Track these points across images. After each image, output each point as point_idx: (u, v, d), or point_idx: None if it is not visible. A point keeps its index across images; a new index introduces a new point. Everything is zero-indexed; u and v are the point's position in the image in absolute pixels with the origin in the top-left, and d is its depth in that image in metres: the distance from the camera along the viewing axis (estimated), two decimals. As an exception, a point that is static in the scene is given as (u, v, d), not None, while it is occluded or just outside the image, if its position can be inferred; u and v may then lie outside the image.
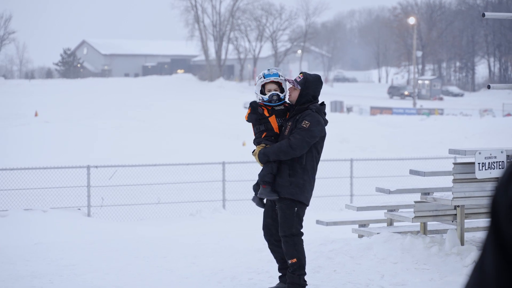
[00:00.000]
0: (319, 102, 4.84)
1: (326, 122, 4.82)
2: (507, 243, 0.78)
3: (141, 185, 12.07)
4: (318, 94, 4.82)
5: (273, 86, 4.84)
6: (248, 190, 5.39)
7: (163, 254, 6.74)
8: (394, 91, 56.43)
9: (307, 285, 4.84)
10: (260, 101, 4.85)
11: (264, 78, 4.84)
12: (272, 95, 4.84)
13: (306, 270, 4.89)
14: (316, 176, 4.93)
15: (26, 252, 6.92)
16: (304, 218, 4.82)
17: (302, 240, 4.79)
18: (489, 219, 0.82)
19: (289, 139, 4.68)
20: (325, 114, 4.84)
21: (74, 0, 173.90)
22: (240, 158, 12.74)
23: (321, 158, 4.95)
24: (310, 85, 4.77)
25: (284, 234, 4.74)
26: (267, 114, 4.83)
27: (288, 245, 4.74)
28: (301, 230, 4.78)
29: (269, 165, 4.76)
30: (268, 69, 4.96)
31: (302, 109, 4.75)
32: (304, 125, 4.65)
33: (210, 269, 5.94)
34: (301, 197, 4.72)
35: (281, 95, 4.82)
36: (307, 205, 4.79)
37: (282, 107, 4.87)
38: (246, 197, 11.15)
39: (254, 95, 5.01)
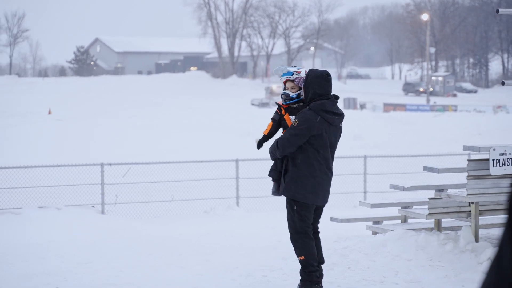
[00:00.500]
0: (327, 97, 4.75)
1: (330, 118, 4.69)
2: None
3: (154, 183, 12.06)
4: (324, 91, 4.73)
5: (290, 85, 4.88)
6: (262, 187, 5.39)
7: (177, 252, 6.74)
8: (409, 87, 56.03)
9: (319, 281, 4.81)
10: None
11: (281, 77, 4.93)
12: (282, 94, 4.92)
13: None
14: None
15: (40, 249, 6.93)
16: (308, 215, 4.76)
17: (308, 237, 4.75)
18: (506, 216, 0.79)
19: (279, 137, 4.78)
20: (331, 111, 4.71)
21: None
22: (254, 155, 12.73)
23: (334, 155, 4.94)
24: (310, 82, 4.76)
25: (290, 232, 4.80)
26: (283, 112, 4.89)
27: (294, 243, 4.77)
28: (307, 228, 4.75)
29: (275, 162, 4.85)
30: (280, 67, 5.01)
31: (304, 106, 4.79)
32: (294, 124, 4.69)
33: (224, 267, 5.92)
34: (297, 195, 4.71)
35: (292, 94, 4.84)
36: (308, 203, 4.71)
37: (296, 105, 4.89)
38: (260, 194, 11.14)
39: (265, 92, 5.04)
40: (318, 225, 4.94)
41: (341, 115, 4.79)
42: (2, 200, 10.53)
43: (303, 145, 4.69)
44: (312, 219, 4.81)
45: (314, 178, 4.70)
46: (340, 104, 41.33)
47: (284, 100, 4.87)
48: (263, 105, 42.88)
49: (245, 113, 30.52)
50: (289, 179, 4.73)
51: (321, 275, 4.85)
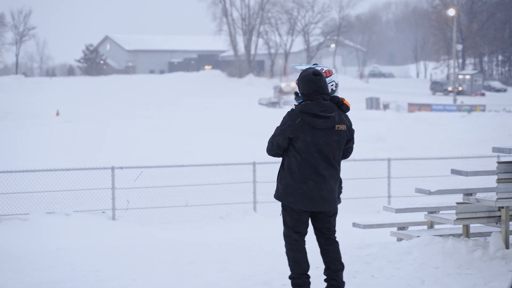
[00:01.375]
0: (314, 98, 4.59)
1: (312, 121, 4.55)
2: None
3: (168, 187, 11.90)
4: (311, 91, 4.59)
5: None
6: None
7: (191, 259, 6.61)
8: (437, 86, 55.32)
9: None
10: None
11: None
12: (294, 93, 4.87)
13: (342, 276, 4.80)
14: (352, 177, 4.78)
15: (49, 257, 6.85)
16: (296, 221, 4.67)
17: (293, 243, 4.69)
18: None
19: None
20: (313, 113, 4.55)
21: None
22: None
23: (356, 158, 4.75)
24: (299, 83, 4.69)
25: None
26: None
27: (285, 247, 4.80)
28: (292, 233, 4.68)
29: None
30: (297, 65, 4.94)
31: None
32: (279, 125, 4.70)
33: (240, 275, 5.80)
34: (282, 199, 4.68)
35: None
36: (292, 208, 4.63)
37: None
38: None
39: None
40: (331, 231, 4.77)
41: (328, 118, 4.58)
42: (9, 205, 10.42)
43: (289, 148, 4.64)
44: (302, 225, 4.70)
45: (296, 182, 4.60)
46: (362, 104, 41.21)
47: (296, 100, 4.77)
48: (271, 104, 42.43)
49: (262, 114, 30.44)
50: (277, 182, 4.72)
51: (307, 284, 4.73)
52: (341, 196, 4.95)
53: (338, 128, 4.61)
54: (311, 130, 4.56)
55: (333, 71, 4.84)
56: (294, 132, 4.56)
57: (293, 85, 44.86)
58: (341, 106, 4.65)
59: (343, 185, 4.93)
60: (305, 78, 4.62)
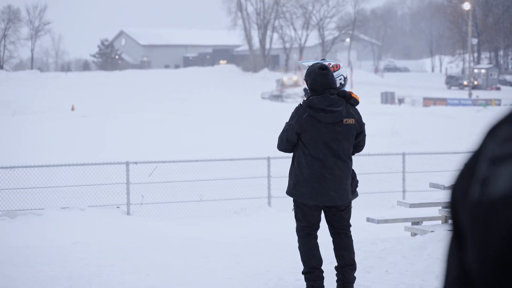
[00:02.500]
0: (321, 93, 4.56)
1: (319, 115, 4.51)
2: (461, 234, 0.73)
3: (182, 182, 11.84)
4: (317, 86, 4.56)
5: None
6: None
7: (205, 254, 6.58)
8: (453, 81, 54.69)
9: (314, 285, 4.72)
10: None
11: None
12: (303, 89, 4.91)
13: (356, 271, 4.80)
14: (366, 171, 4.75)
15: (63, 252, 6.84)
16: (303, 215, 4.69)
17: (304, 237, 4.71)
18: (448, 209, 0.76)
19: None
20: (319, 107, 4.51)
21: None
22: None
23: (371, 152, 4.71)
24: (306, 78, 4.69)
25: None
26: None
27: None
28: (304, 227, 4.69)
29: None
30: (301, 62, 5.03)
31: None
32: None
33: (254, 270, 5.77)
34: (293, 195, 4.70)
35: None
36: (302, 202, 4.64)
37: None
38: (293, 194, 10.84)
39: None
40: (344, 226, 4.74)
41: (335, 112, 4.55)
42: (24, 200, 10.43)
43: (298, 143, 4.64)
44: (314, 220, 4.70)
45: (306, 177, 4.60)
46: (377, 98, 40.95)
47: (305, 96, 4.77)
48: (274, 98, 42.34)
49: (279, 108, 30.28)
50: (289, 178, 4.74)
51: (320, 278, 4.73)
52: (357, 190, 4.92)
53: (346, 122, 4.58)
54: (318, 124, 4.55)
55: (341, 65, 4.82)
56: (302, 127, 4.55)
57: (295, 79, 44.86)
58: (349, 100, 4.61)
59: (358, 178, 4.90)
60: (312, 73, 4.60)
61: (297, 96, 41.53)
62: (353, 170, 4.77)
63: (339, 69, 4.75)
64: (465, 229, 0.68)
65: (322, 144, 4.55)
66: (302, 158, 4.59)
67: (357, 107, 4.71)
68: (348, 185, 4.67)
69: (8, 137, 21.65)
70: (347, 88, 4.85)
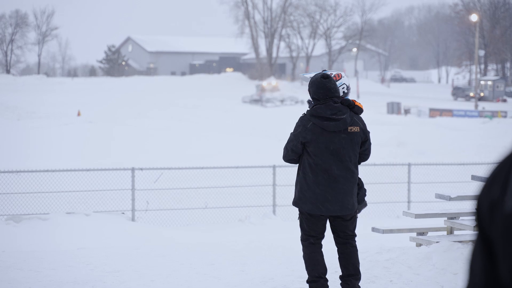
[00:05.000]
0: (324, 102, 4.56)
1: (323, 124, 4.51)
2: (490, 244, 0.73)
3: (187, 189, 11.82)
4: (320, 95, 4.57)
5: None
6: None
7: (210, 261, 6.57)
8: (459, 92, 54.54)
9: None
10: None
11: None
12: (307, 101, 4.88)
13: (361, 281, 4.80)
14: (372, 181, 4.73)
15: (68, 257, 6.83)
16: (307, 225, 4.68)
17: (308, 246, 4.69)
18: (474, 219, 0.77)
19: None
20: (324, 116, 4.51)
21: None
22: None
23: (377, 162, 4.69)
24: (309, 88, 4.69)
25: None
26: None
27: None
28: (308, 237, 4.68)
29: None
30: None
31: None
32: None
33: (259, 278, 5.76)
34: (298, 204, 4.67)
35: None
36: (307, 212, 4.63)
37: None
38: (297, 202, 10.80)
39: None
40: (349, 236, 4.73)
41: (339, 120, 4.53)
42: (29, 205, 10.44)
43: (303, 153, 4.63)
44: (319, 229, 4.68)
45: (311, 187, 4.57)
46: (383, 108, 40.95)
47: (309, 107, 4.77)
48: (253, 101, 44.01)
49: (284, 116, 30.25)
50: (295, 188, 4.72)
51: (325, 287, 4.70)
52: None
53: (351, 130, 4.57)
54: (323, 133, 4.53)
55: (343, 74, 4.84)
56: (307, 137, 4.54)
57: (274, 84, 46.75)
58: (353, 108, 4.61)
59: (366, 187, 4.88)
60: (315, 82, 4.61)
61: (276, 100, 43.25)
62: (360, 179, 4.76)
63: (341, 78, 4.77)
64: (495, 240, 0.68)
65: (328, 152, 4.54)
66: (308, 167, 4.57)
67: (362, 115, 4.72)
68: (354, 195, 4.64)
69: (14, 141, 21.69)
70: (351, 97, 4.86)
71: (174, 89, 49.21)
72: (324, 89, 4.55)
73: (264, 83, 46.82)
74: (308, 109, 4.70)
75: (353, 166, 4.61)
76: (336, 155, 4.55)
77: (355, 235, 4.75)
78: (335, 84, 4.61)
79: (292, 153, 4.62)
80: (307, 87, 4.73)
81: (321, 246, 4.72)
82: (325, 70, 4.85)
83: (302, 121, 4.58)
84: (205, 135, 24.21)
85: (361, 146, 4.65)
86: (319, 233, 4.67)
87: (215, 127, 26.75)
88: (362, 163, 4.81)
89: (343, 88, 4.76)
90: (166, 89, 48.99)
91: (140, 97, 42.56)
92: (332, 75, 4.72)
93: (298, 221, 4.74)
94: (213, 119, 29.98)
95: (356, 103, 4.63)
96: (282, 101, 43.60)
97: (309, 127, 4.53)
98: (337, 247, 4.77)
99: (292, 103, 43.59)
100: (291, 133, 4.63)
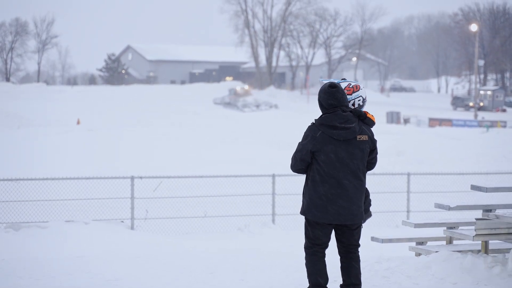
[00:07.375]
0: (332, 111, 4.58)
1: (333, 133, 4.53)
2: None
3: (187, 198, 11.84)
4: (328, 104, 4.59)
5: None
6: (299, 204, 5.22)
7: (210, 270, 6.57)
8: (458, 102, 54.68)
9: None
10: None
11: None
12: None
13: None
14: (371, 191, 4.82)
15: (68, 265, 6.81)
16: (313, 233, 4.69)
17: (312, 254, 4.69)
18: None
19: None
20: (333, 125, 4.53)
21: (119, 4, 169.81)
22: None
23: (376, 172, 4.72)
24: (318, 97, 4.70)
25: None
26: None
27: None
28: (313, 245, 4.69)
29: None
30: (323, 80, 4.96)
31: None
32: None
33: (259, 286, 5.75)
34: (306, 213, 4.67)
35: None
36: (314, 220, 4.62)
37: None
38: (297, 212, 10.81)
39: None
40: (353, 245, 4.74)
41: (348, 129, 4.54)
42: (28, 213, 10.43)
43: (312, 162, 4.62)
44: (324, 238, 4.68)
45: (320, 196, 4.57)
46: (382, 118, 41.00)
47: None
48: (226, 105, 45.58)
49: (284, 125, 30.26)
50: (303, 197, 4.71)
51: None
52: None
53: (359, 138, 4.57)
54: (332, 142, 4.53)
55: (361, 86, 4.78)
56: (316, 146, 4.54)
57: (246, 88, 49.35)
58: (365, 119, 4.62)
59: (371, 197, 4.87)
60: (322, 91, 4.64)
61: (251, 105, 44.52)
62: (366, 189, 4.75)
63: (358, 90, 4.72)
64: None
65: (337, 161, 4.54)
66: (317, 176, 4.57)
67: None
68: (361, 204, 4.64)
69: (13, 149, 21.69)
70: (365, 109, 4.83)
71: (173, 97, 49.30)
72: (331, 98, 4.57)
73: (238, 88, 49.02)
74: (316, 118, 4.71)
75: (362, 175, 4.62)
76: (345, 164, 4.55)
77: (359, 245, 4.76)
78: (343, 93, 4.61)
79: (301, 162, 4.61)
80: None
81: (324, 255, 4.71)
82: (344, 79, 4.84)
83: (311, 131, 4.58)
84: (205, 144, 24.20)
85: (368, 155, 4.66)
86: (324, 242, 4.67)
87: (214, 136, 26.75)
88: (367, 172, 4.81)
89: (359, 100, 4.72)
90: (165, 97, 49.05)
91: (139, 105, 42.58)
92: (350, 86, 4.70)
93: (304, 228, 4.74)
94: (212, 128, 30.00)
95: (368, 115, 4.64)
96: (257, 106, 44.62)
97: (318, 136, 4.54)
98: (340, 256, 4.77)
99: (267, 108, 44.33)
100: (299, 143, 4.62)
